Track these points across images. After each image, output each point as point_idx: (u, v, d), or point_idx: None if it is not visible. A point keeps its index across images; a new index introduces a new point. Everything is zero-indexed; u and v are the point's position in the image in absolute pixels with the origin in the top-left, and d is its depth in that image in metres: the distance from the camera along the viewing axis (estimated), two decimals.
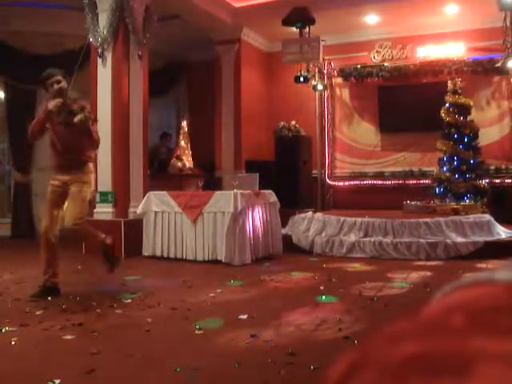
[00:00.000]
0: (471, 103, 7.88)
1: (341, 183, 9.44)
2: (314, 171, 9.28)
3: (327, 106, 9.60)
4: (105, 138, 6.75)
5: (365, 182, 9.23)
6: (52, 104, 4.08)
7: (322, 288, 4.47)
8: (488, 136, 8.23)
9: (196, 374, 2.49)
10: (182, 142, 8.77)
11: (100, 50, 6.69)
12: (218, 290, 4.37)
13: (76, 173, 4.21)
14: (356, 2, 8.09)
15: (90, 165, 4.36)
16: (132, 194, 6.81)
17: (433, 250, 6.14)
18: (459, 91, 7.80)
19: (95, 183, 4.42)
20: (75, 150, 4.21)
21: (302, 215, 7.29)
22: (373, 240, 6.41)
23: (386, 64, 9.03)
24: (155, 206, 6.24)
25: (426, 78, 8.84)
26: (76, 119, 4.03)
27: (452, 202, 7.37)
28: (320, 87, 9.11)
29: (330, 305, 3.92)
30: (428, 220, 6.45)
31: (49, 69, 4.32)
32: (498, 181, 8.15)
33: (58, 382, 2.36)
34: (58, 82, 4.20)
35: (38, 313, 3.64)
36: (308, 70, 8.81)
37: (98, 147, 4.47)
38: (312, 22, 8.02)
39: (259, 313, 3.64)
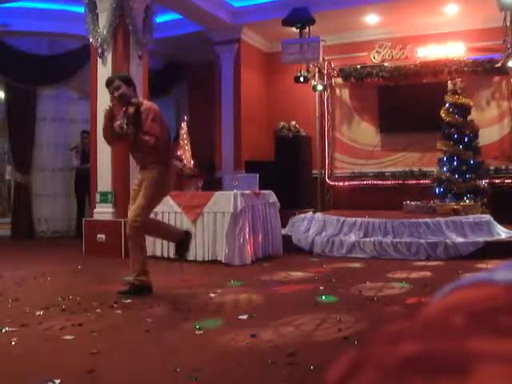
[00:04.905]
0: (471, 103, 7.87)
1: (341, 183, 9.44)
2: (314, 171, 9.28)
3: (327, 106, 9.60)
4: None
5: (365, 182, 9.22)
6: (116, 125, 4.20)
7: (321, 288, 4.47)
8: (488, 136, 8.22)
9: (196, 374, 2.48)
10: (182, 142, 8.75)
11: (100, 50, 6.69)
12: (218, 290, 4.37)
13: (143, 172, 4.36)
14: (356, 1, 8.09)
15: (157, 164, 4.28)
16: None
17: (433, 250, 6.14)
18: (459, 91, 7.79)
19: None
20: (139, 152, 4.32)
21: (302, 215, 7.28)
22: (373, 240, 6.40)
23: (386, 64, 9.02)
24: None
25: (426, 78, 8.83)
26: (115, 126, 4.16)
27: (452, 202, 7.36)
28: (320, 87, 9.11)
29: (330, 305, 3.92)
30: (428, 220, 6.45)
31: (110, 76, 4.28)
32: (497, 181, 8.14)
33: (57, 382, 2.36)
34: (117, 88, 4.18)
35: (37, 313, 3.64)
36: (308, 70, 8.81)
37: (156, 145, 4.18)
38: (312, 21, 8.02)
39: (259, 313, 3.64)
